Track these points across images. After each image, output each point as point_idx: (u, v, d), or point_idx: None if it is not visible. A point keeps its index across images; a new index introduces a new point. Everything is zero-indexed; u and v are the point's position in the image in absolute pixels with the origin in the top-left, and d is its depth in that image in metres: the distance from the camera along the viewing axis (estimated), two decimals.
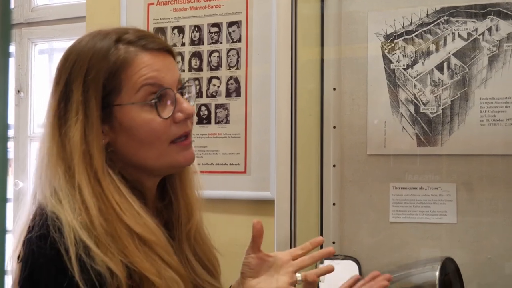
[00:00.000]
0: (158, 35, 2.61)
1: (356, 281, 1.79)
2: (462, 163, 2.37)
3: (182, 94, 1.53)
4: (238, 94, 2.67)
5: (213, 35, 2.72)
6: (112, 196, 1.40)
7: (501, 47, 2.34)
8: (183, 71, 2.73)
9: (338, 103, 2.52)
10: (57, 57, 3.41)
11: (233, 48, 2.69)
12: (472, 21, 2.37)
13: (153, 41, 1.50)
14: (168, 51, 1.53)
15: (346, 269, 2.41)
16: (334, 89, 2.52)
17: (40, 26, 3.41)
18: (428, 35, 2.42)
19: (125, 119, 1.45)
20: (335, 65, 2.54)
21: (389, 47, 2.47)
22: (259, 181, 2.62)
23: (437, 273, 2.03)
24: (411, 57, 2.44)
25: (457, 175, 2.38)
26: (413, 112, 2.42)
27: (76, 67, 1.44)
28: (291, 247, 2.23)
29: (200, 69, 2.73)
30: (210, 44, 2.73)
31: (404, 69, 2.45)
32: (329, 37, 2.55)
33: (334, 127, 2.52)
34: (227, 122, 2.68)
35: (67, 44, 3.37)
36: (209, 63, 2.72)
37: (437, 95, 2.40)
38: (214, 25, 2.72)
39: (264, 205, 2.59)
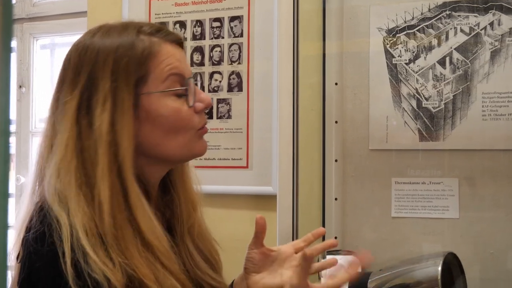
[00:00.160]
0: None
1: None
2: (464, 158, 2.37)
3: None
4: (240, 89, 2.67)
5: (215, 29, 2.72)
6: (130, 192, 1.39)
7: (503, 41, 2.33)
8: None
9: (340, 98, 2.52)
10: (59, 52, 3.44)
11: (235, 43, 2.69)
12: (474, 16, 2.36)
13: (171, 33, 1.53)
14: (181, 44, 1.55)
15: (348, 265, 2.40)
16: (336, 83, 2.52)
17: (41, 21, 3.41)
18: (430, 30, 2.42)
19: (152, 108, 1.45)
20: (337, 59, 2.54)
21: (391, 41, 2.46)
22: (261, 176, 2.62)
23: (439, 268, 2.03)
24: (413, 52, 2.44)
25: (459, 170, 2.37)
26: (415, 107, 2.42)
27: (100, 59, 1.43)
28: None
29: (202, 64, 2.73)
30: (212, 39, 2.73)
31: (406, 63, 2.44)
32: (331, 32, 2.54)
33: (336, 122, 2.52)
34: (229, 117, 2.68)
35: (68, 39, 3.39)
36: (211, 58, 2.72)
37: (439, 89, 2.40)
38: (216, 19, 2.72)
39: (266, 200, 2.59)
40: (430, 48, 2.42)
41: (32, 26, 3.43)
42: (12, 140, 3.39)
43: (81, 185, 1.37)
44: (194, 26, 2.76)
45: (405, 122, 2.43)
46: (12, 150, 3.38)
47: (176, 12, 2.80)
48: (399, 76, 2.45)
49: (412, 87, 2.42)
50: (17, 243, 1.40)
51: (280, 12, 2.33)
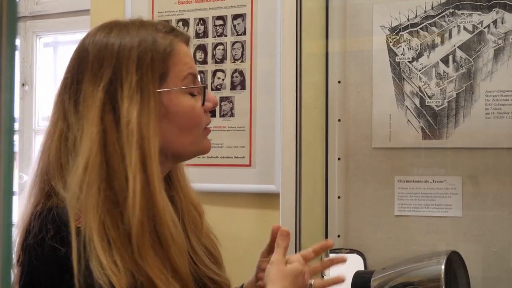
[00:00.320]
0: None
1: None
2: (468, 156, 2.37)
3: None
4: (243, 87, 2.66)
5: (217, 28, 2.72)
6: (155, 188, 1.39)
7: (507, 39, 2.33)
8: None
9: (343, 96, 2.52)
10: (62, 50, 3.43)
11: (237, 41, 2.69)
12: (478, 14, 2.36)
13: (183, 33, 1.55)
14: (189, 44, 1.58)
15: (351, 263, 2.40)
16: (339, 82, 2.52)
17: (44, 19, 3.41)
18: (433, 28, 2.42)
19: (172, 105, 1.47)
20: (340, 58, 2.53)
21: (394, 40, 2.46)
22: (263, 174, 2.62)
23: (443, 267, 2.03)
24: (416, 50, 2.43)
25: (463, 168, 2.37)
26: (418, 105, 2.42)
27: (123, 54, 1.43)
28: (296, 241, 2.23)
29: (204, 62, 2.73)
30: (215, 37, 2.73)
31: (409, 62, 2.44)
32: (334, 30, 2.54)
33: (339, 120, 2.52)
34: (232, 115, 2.68)
35: (71, 37, 3.39)
36: (213, 56, 2.72)
37: (443, 88, 2.39)
38: (218, 18, 2.72)
39: (269, 199, 2.59)
40: (433, 46, 2.41)
41: (35, 24, 3.43)
42: (15, 138, 3.39)
43: (104, 181, 1.36)
44: (197, 24, 2.76)
45: (408, 120, 2.43)
46: (15, 148, 3.38)
47: (179, 10, 2.79)
48: (402, 74, 2.44)
49: (415, 85, 2.42)
50: (18, 245, 1.39)
51: (283, 10, 2.33)
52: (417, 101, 2.42)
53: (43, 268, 1.31)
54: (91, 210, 1.32)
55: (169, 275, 1.37)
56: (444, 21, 2.40)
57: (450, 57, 2.39)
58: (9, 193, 0.68)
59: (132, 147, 1.38)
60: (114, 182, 1.36)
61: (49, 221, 1.33)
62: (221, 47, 2.71)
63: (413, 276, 2.12)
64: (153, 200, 1.38)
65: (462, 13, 2.38)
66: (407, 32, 2.45)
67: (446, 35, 2.40)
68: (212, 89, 2.70)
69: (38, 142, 3.36)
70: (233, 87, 2.68)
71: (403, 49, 2.45)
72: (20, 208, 1.45)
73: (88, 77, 1.43)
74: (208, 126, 1.57)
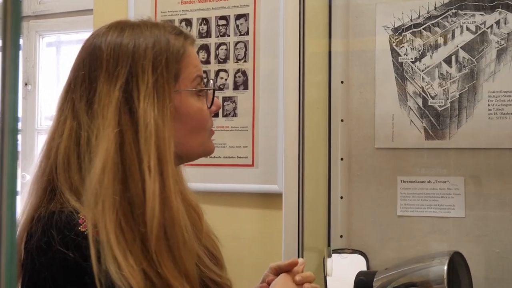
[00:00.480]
0: None
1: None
2: (470, 157, 2.37)
3: None
4: (246, 87, 2.67)
5: (220, 28, 2.72)
6: (170, 189, 1.39)
7: (510, 40, 2.33)
8: None
9: (346, 96, 2.52)
10: (65, 50, 3.43)
11: (240, 41, 2.69)
12: (481, 14, 2.36)
13: (191, 36, 1.56)
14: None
15: (353, 263, 2.41)
16: (342, 82, 2.52)
17: (47, 19, 3.42)
18: (436, 28, 2.41)
19: (182, 106, 1.48)
20: (343, 57, 2.53)
21: (397, 40, 2.46)
22: (266, 175, 2.62)
23: (445, 267, 2.03)
24: (419, 50, 2.43)
25: (465, 168, 2.37)
26: (421, 105, 2.42)
27: (139, 54, 1.43)
28: (298, 241, 2.23)
29: (207, 62, 2.73)
30: (218, 37, 2.73)
31: (412, 62, 2.44)
32: (337, 30, 2.54)
33: (342, 120, 2.52)
34: (235, 115, 2.68)
35: (74, 36, 3.39)
36: (216, 56, 2.72)
37: (445, 88, 2.39)
38: (221, 18, 2.72)
39: (271, 199, 2.59)
40: (436, 46, 2.41)
41: (38, 24, 3.43)
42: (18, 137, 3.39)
43: (120, 182, 1.35)
44: (200, 24, 2.76)
45: (411, 120, 2.42)
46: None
47: (182, 10, 2.80)
48: (405, 74, 2.44)
49: (418, 85, 2.42)
50: (18, 247, 1.38)
51: (286, 10, 2.32)
52: (420, 102, 2.42)
53: (48, 272, 1.30)
54: (107, 212, 1.32)
55: (181, 278, 1.38)
56: (447, 22, 2.40)
57: (453, 58, 2.39)
58: (13, 193, 0.68)
59: (150, 149, 1.38)
60: (130, 183, 1.36)
61: (52, 225, 1.32)
62: (224, 47, 2.71)
63: (416, 277, 2.12)
64: (169, 203, 1.38)
65: (465, 14, 2.38)
66: (410, 33, 2.45)
67: (449, 36, 2.40)
68: None
69: (40, 141, 3.36)
70: (236, 87, 2.68)
71: (406, 49, 2.45)
72: (20, 207, 1.44)
73: (103, 76, 1.42)
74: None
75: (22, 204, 1.43)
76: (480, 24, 2.36)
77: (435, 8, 2.42)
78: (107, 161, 1.35)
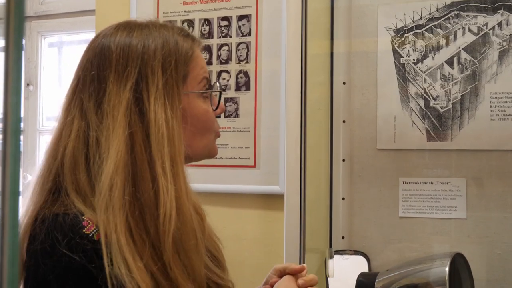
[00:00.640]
0: None
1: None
2: (472, 158, 2.37)
3: None
4: (248, 88, 2.66)
5: (223, 28, 2.72)
6: (182, 190, 1.39)
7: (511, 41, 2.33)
8: None
9: (348, 97, 2.52)
10: (67, 50, 3.43)
11: (242, 42, 2.69)
12: (483, 16, 2.36)
13: (197, 38, 1.56)
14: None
15: (355, 264, 2.41)
16: (344, 83, 2.52)
17: (49, 19, 3.41)
18: (438, 30, 2.42)
19: (189, 108, 1.48)
20: (345, 59, 2.53)
21: (399, 41, 2.46)
22: (268, 175, 2.62)
23: (447, 269, 2.03)
24: (421, 52, 2.43)
25: (467, 170, 2.37)
26: (423, 106, 2.42)
27: (148, 55, 1.43)
28: (300, 242, 2.23)
29: (209, 62, 2.73)
30: (220, 37, 2.73)
31: (414, 63, 2.44)
32: (339, 31, 2.54)
33: (344, 122, 2.52)
34: (237, 116, 2.68)
35: (76, 37, 3.38)
36: (218, 56, 2.72)
37: (447, 89, 2.39)
38: (224, 18, 2.72)
39: (273, 200, 2.58)
40: (438, 48, 2.41)
41: (40, 24, 3.43)
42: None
43: (130, 184, 1.34)
44: (202, 25, 2.76)
45: (413, 122, 2.42)
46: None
47: (184, 11, 2.80)
48: (407, 75, 2.44)
49: (420, 87, 2.42)
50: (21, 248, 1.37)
51: (288, 11, 2.32)
52: (421, 103, 2.42)
53: (53, 275, 1.29)
54: (118, 214, 1.31)
55: (190, 281, 1.38)
56: (449, 23, 2.40)
57: (455, 59, 2.39)
58: (16, 194, 0.68)
59: (163, 151, 1.38)
60: (140, 185, 1.35)
61: (56, 228, 1.31)
62: (226, 47, 2.71)
63: (418, 278, 2.12)
64: (182, 206, 1.38)
65: (467, 15, 2.38)
66: (412, 34, 2.45)
67: (451, 37, 2.40)
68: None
69: (42, 142, 3.37)
70: (238, 88, 2.68)
71: (408, 50, 2.45)
72: (21, 208, 1.43)
73: (112, 76, 1.42)
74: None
75: (24, 205, 1.42)
76: (482, 26, 2.36)
77: (437, 10, 2.42)
78: (119, 162, 1.34)
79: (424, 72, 2.42)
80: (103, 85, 1.42)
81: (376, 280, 2.16)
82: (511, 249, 2.31)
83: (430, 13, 2.43)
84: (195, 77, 1.49)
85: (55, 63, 3.50)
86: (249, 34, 2.68)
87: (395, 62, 2.46)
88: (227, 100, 2.69)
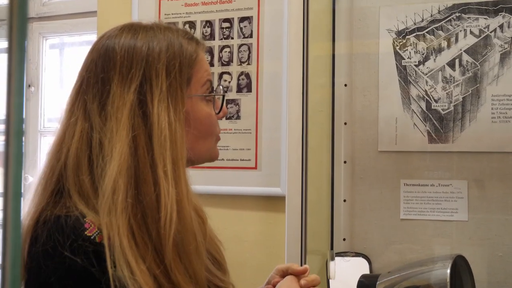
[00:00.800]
0: None
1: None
2: (474, 160, 2.37)
3: None
4: (249, 90, 2.66)
5: (224, 30, 2.72)
6: (183, 194, 1.39)
7: None
8: None
9: (349, 99, 2.52)
10: (68, 52, 3.43)
11: (244, 44, 2.69)
12: (484, 18, 2.36)
13: (201, 41, 1.56)
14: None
15: (356, 266, 2.41)
16: (346, 85, 2.52)
17: (51, 21, 3.41)
18: (440, 32, 2.42)
19: (192, 111, 1.47)
20: (346, 60, 2.53)
21: (401, 43, 2.46)
22: (269, 177, 2.62)
23: (449, 271, 2.03)
24: (423, 54, 2.43)
25: (468, 172, 2.37)
26: (424, 108, 2.42)
27: (153, 57, 1.43)
28: (301, 244, 2.22)
29: (211, 64, 2.73)
30: (222, 39, 2.73)
31: (415, 65, 2.44)
32: (340, 33, 2.54)
33: (345, 123, 2.52)
34: (238, 117, 2.68)
35: (78, 38, 3.38)
36: (220, 58, 2.72)
37: (449, 91, 2.39)
38: (225, 20, 2.72)
39: (274, 201, 2.58)
40: (439, 50, 2.41)
41: (41, 26, 3.43)
42: None
43: (132, 186, 1.34)
44: (204, 27, 2.76)
45: (415, 124, 2.42)
46: None
47: (186, 13, 2.80)
48: (408, 77, 2.44)
49: (422, 89, 2.42)
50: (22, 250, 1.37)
51: (290, 13, 2.33)
52: (423, 105, 2.42)
53: (55, 277, 1.29)
54: (120, 216, 1.31)
55: (192, 284, 1.38)
56: (451, 25, 2.40)
57: (457, 61, 2.39)
58: (18, 196, 0.68)
59: (165, 154, 1.37)
60: (142, 187, 1.35)
61: (58, 230, 1.31)
62: (227, 49, 2.71)
63: (419, 280, 2.12)
64: (183, 209, 1.38)
65: (468, 17, 2.38)
66: (413, 36, 2.45)
67: (453, 39, 2.40)
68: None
69: (43, 143, 3.37)
70: (239, 90, 2.68)
71: (410, 52, 2.45)
72: (23, 209, 1.43)
73: (117, 78, 1.41)
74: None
75: (26, 206, 1.41)
76: (484, 28, 2.36)
77: (439, 12, 2.42)
78: (122, 165, 1.34)
79: (426, 74, 2.42)
80: (107, 87, 1.41)
81: (378, 282, 2.16)
82: None
83: (431, 15, 2.43)
84: (199, 80, 1.49)
85: (57, 64, 3.50)
86: (250, 36, 2.68)
87: (396, 64, 2.46)
88: (228, 101, 2.69)
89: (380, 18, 2.50)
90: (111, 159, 1.35)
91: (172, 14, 2.82)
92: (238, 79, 2.69)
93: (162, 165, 1.36)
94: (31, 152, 3.42)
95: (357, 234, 2.49)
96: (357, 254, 2.46)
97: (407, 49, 2.45)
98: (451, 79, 2.39)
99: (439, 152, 2.40)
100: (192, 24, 2.78)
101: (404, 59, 2.45)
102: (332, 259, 2.32)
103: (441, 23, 2.41)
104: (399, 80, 2.45)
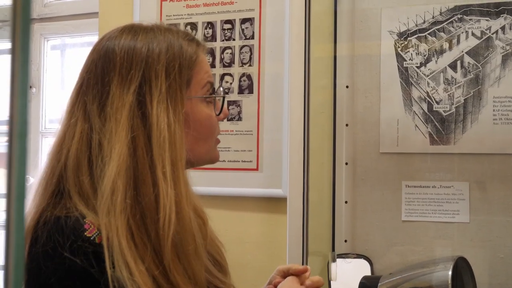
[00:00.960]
0: None
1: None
2: (475, 162, 2.37)
3: None
4: (251, 91, 2.66)
5: (226, 31, 2.72)
6: (182, 195, 1.39)
7: None
8: None
9: (351, 100, 2.52)
10: (70, 53, 3.43)
11: (246, 45, 2.69)
12: (486, 20, 2.36)
13: (202, 43, 1.56)
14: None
15: (358, 268, 2.41)
16: (347, 86, 2.52)
17: (52, 22, 3.42)
18: (442, 33, 2.41)
19: (192, 112, 1.47)
20: (348, 62, 2.53)
21: (403, 45, 2.46)
22: (271, 179, 2.62)
23: (450, 273, 2.02)
24: (424, 55, 2.43)
25: (470, 174, 2.37)
26: (426, 110, 2.42)
27: (152, 58, 1.43)
28: (303, 246, 2.22)
29: (212, 65, 2.73)
30: (223, 40, 2.73)
31: (417, 67, 2.44)
32: (342, 34, 2.54)
33: (347, 125, 2.51)
34: (240, 119, 2.68)
35: (79, 40, 3.38)
36: (221, 59, 2.72)
37: (450, 93, 2.39)
38: (227, 21, 2.72)
39: (276, 203, 2.58)
40: (441, 51, 2.41)
41: (43, 27, 3.43)
42: None
43: (131, 187, 1.34)
44: (205, 28, 2.76)
45: (416, 125, 2.42)
46: None
47: (187, 14, 2.79)
48: (410, 79, 2.44)
49: (423, 90, 2.42)
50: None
51: (292, 14, 2.32)
52: (425, 106, 2.42)
53: (54, 278, 1.28)
54: (119, 217, 1.31)
55: (191, 285, 1.38)
56: (452, 27, 2.40)
57: (458, 63, 2.38)
58: (22, 198, 0.67)
59: (164, 155, 1.37)
60: (141, 188, 1.35)
61: (58, 231, 1.31)
62: (229, 51, 2.71)
63: (420, 282, 2.12)
64: (182, 210, 1.38)
65: (470, 19, 2.38)
66: (415, 37, 2.45)
67: (454, 41, 2.40)
68: None
69: (45, 144, 3.37)
70: (241, 91, 2.68)
71: (411, 54, 2.45)
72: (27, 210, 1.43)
73: (116, 79, 1.42)
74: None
75: (26, 207, 1.42)
76: (485, 30, 2.36)
77: (440, 13, 2.42)
78: (121, 165, 1.34)
79: (427, 75, 2.42)
80: (107, 88, 1.41)
81: (379, 284, 2.16)
82: None
83: (433, 17, 2.43)
84: (199, 82, 1.49)
85: (58, 65, 3.50)
86: (252, 37, 2.68)
87: (398, 66, 2.46)
88: (230, 103, 2.69)
89: (381, 20, 2.50)
90: (110, 160, 1.35)
91: (173, 15, 2.82)
92: (240, 81, 2.68)
93: (161, 166, 1.36)
94: (32, 153, 3.41)
95: (359, 236, 2.49)
96: (359, 256, 2.46)
97: (408, 51, 2.45)
98: (453, 81, 2.39)
99: (440, 153, 2.40)
100: (193, 26, 2.78)
101: (406, 60, 2.45)
102: (334, 260, 2.32)
103: (442, 24, 2.41)
104: (400, 82, 2.45)
